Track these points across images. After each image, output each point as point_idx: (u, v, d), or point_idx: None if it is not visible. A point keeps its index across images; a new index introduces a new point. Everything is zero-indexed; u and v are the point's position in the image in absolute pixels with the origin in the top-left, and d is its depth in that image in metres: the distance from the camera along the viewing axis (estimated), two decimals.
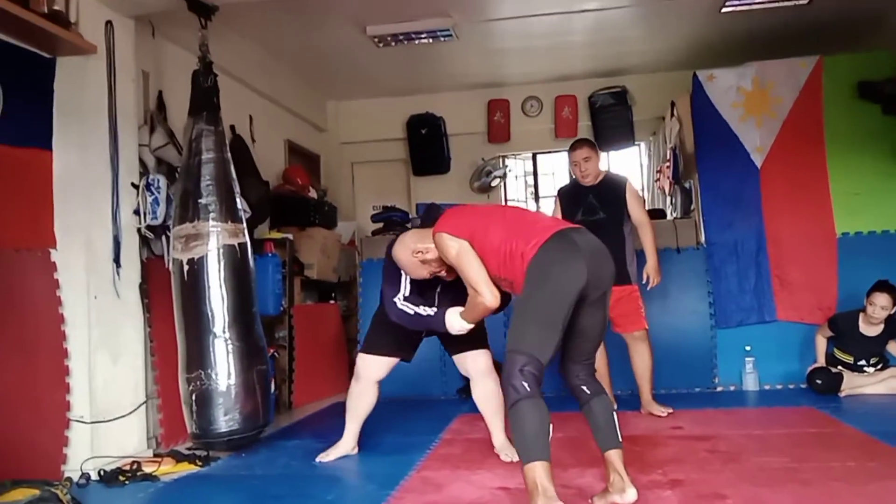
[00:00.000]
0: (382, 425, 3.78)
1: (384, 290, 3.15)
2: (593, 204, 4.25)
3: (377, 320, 3.43)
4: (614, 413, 2.61)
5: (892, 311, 4.36)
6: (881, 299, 4.34)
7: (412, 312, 3.04)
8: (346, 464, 3.31)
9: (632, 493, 2.49)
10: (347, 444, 3.47)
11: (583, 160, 4.25)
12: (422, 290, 3.11)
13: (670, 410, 4.12)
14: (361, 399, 3.44)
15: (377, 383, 3.43)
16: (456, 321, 2.88)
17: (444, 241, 2.66)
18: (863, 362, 4.48)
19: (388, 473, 3.09)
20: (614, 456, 2.53)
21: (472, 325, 2.90)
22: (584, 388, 2.60)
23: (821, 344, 4.64)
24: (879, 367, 4.48)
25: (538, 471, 2.23)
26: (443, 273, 2.92)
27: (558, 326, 2.37)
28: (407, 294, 3.08)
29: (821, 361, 4.61)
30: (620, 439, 2.56)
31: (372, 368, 3.39)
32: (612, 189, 4.26)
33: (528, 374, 2.30)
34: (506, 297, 2.76)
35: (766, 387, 4.85)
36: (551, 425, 2.31)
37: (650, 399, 4.17)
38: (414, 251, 2.87)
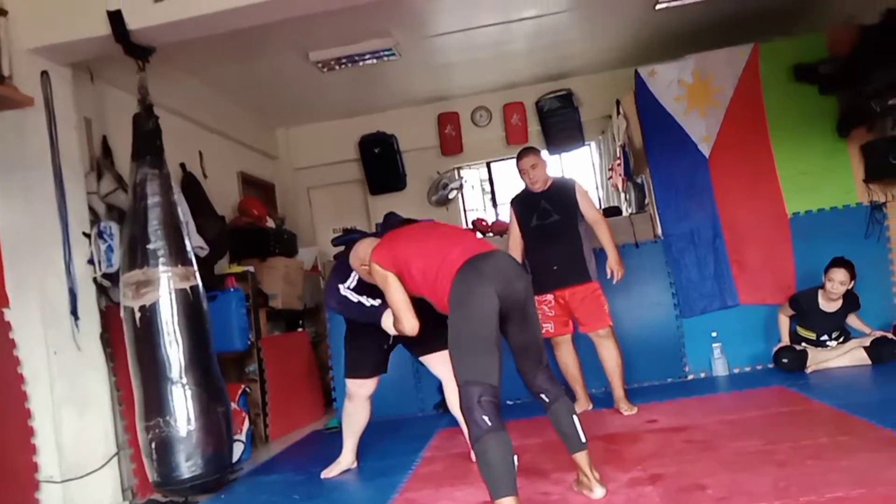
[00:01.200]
0: (363, 449, 3.74)
1: (330, 280, 3.40)
2: (546, 208, 4.32)
3: (350, 344, 3.59)
4: (574, 416, 2.72)
5: (850, 286, 4.47)
6: (839, 275, 4.44)
7: (355, 301, 3.32)
8: (329, 492, 3.28)
9: (599, 491, 2.66)
10: (347, 458, 3.67)
11: (530, 168, 4.34)
12: (369, 285, 3.26)
13: (635, 410, 4.14)
14: (356, 416, 3.64)
15: (369, 398, 3.62)
16: (388, 322, 3.11)
17: (375, 269, 2.91)
18: (825, 337, 4.58)
19: (372, 499, 3.08)
20: (580, 458, 2.69)
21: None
22: (544, 395, 2.73)
23: (783, 323, 4.73)
24: (841, 340, 4.59)
25: None
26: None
27: (491, 348, 2.47)
28: (353, 285, 3.37)
29: (785, 340, 4.70)
30: (584, 440, 2.68)
31: (361, 388, 3.57)
32: (562, 192, 4.34)
33: (486, 403, 2.36)
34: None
35: (736, 370, 4.92)
36: (516, 457, 2.37)
37: (622, 396, 4.21)
38: (361, 262, 3.20)
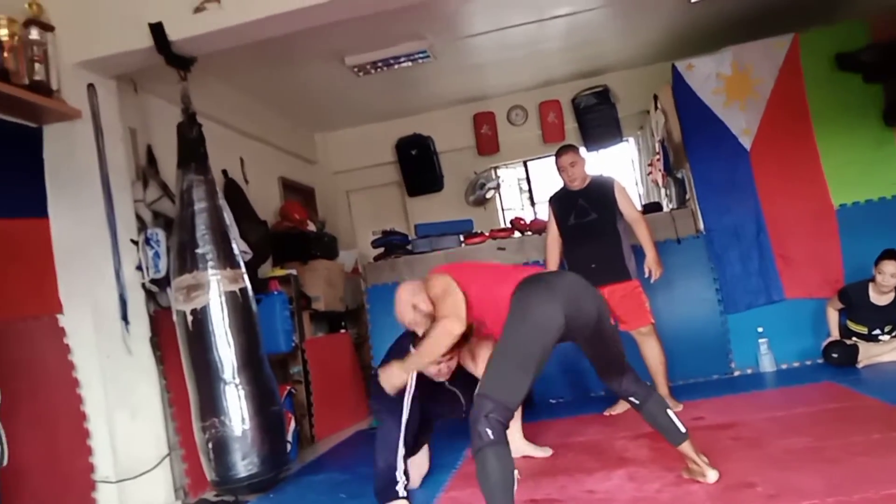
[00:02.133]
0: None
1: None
2: (584, 206, 4.30)
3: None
4: (668, 410, 2.73)
5: None
6: (890, 267, 4.33)
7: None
8: (373, 494, 3.31)
9: (712, 475, 2.66)
10: None
11: (569, 165, 4.33)
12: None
13: (680, 408, 4.08)
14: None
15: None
16: (388, 377, 2.87)
17: (435, 276, 2.83)
18: (877, 332, 4.47)
19: (418, 497, 3.09)
20: (685, 448, 2.69)
21: (398, 384, 2.88)
22: (633, 398, 2.75)
23: (832, 317, 4.63)
24: (894, 333, 4.47)
25: None
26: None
27: (530, 368, 2.40)
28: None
29: (834, 335, 4.61)
30: (683, 430, 2.69)
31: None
32: (600, 190, 4.32)
33: (493, 420, 2.28)
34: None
35: (783, 366, 4.84)
36: (516, 471, 2.32)
37: (667, 393, 4.17)
38: (414, 295, 2.87)
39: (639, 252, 4.32)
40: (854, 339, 4.54)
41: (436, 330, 2.67)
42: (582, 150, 5.25)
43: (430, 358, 2.81)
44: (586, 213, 4.29)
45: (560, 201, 4.46)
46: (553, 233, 4.47)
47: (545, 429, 3.95)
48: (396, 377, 2.85)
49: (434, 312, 2.76)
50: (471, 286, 2.72)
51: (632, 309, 4.17)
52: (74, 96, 3.56)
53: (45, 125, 3.54)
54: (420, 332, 2.84)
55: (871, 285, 4.44)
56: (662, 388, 4.17)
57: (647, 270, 4.28)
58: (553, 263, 4.49)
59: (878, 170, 4.89)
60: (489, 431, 2.27)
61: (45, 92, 3.34)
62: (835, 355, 4.49)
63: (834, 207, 4.91)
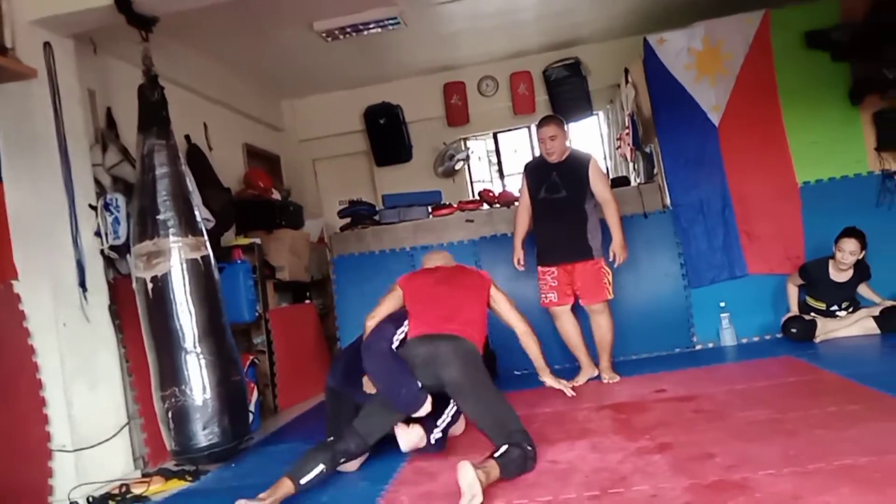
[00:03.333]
0: None
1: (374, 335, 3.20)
2: (556, 182, 4.29)
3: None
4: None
5: (861, 256, 4.44)
6: (849, 245, 4.40)
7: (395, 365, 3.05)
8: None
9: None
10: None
11: (549, 138, 4.28)
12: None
13: (617, 379, 4.24)
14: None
15: None
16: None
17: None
18: (835, 308, 4.56)
19: (381, 468, 3.09)
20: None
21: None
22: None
23: (792, 292, 4.71)
24: (850, 310, 4.57)
25: None
26: None
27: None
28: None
29: (794, 310, 4.69)
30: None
31: None
32: (575, 167, 4.30)
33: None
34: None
35: (744, 340, 4.92)
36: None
37: (607, 366, 4.31)
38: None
39: (607, 230, 4.32)
40: (812, 314, 4.62)
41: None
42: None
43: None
44: (557, 188, 4.28)
45: (534, 172, 4.44)
46: (525, 202, 4.49)
47: (510, 400, 3.96)
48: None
49: None
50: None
51: (590, 284, 4.22)
52: (30, 55, 3.44)
53: None
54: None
55: (830, 262, 4.51)
56: (605, 362, 4.30)
57: (611, 254, 4.30)
58: (521, 232, 4.51)
59: (842, 148, 4.94)
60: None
61: None
62: (794, 330, 4.58)
63: (798, 185, 4.96)
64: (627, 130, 5.88)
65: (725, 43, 5.03)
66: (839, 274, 4.51)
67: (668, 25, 5.24)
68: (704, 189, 5.05)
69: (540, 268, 4.37)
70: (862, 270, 4.51)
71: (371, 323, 3.28)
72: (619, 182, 5.63)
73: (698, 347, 4.98)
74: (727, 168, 5.04)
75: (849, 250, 4.40)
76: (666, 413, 3.34)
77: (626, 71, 5.81)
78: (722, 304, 4.92)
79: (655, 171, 5.39)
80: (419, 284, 3.42)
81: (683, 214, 5.08)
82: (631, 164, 6.17)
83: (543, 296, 4.35)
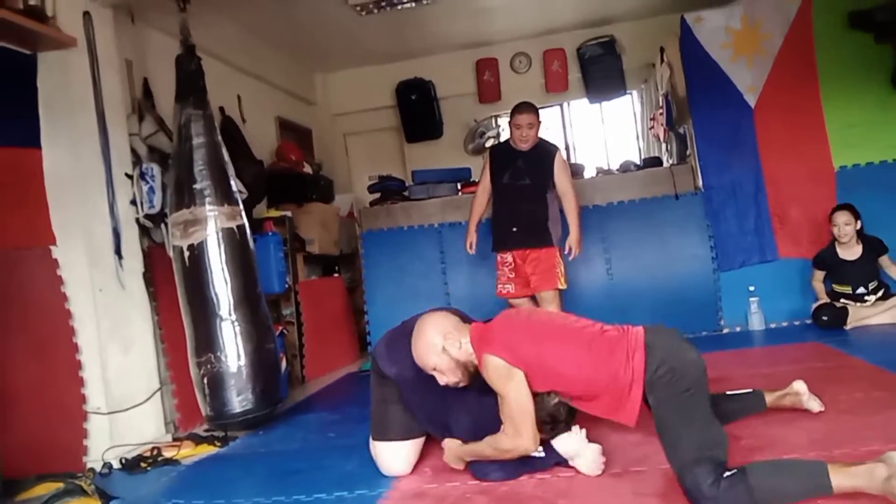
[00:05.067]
0: None
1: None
2: (521, 169, 4.30)
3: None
4: None
5: (859, 227, 4.47)
6: (841, 217, 4.47)
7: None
8: (363, 435, 3.36)
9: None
10: None
11: (526, 125, 4.27)
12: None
13: None
14: None
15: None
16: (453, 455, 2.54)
17: (497, 367, 2.31)
18: (861, 290, 4.51)
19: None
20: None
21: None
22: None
23: (819, 287, 4.68)
24: (880, 293, 4.50)
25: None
26: (452, 382, 2.46)
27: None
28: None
29: (823, 299, 4.63)
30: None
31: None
32: (542, 157, 4.31)
33: (709, 470, 2.01)
34: None
35: (772, 325, 4.87)
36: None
37: None
38: (447, 334, 2.42)
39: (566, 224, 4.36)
40: (843, 301, 4.56)
41: (506, 445, 2.34)
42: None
43: (491, 457, 2.43)
44: (521, 175, 4.29)
45: (500, 156, 4.44)
46: (485, 185, 4.46)
47: None
48: (453, 461, 2.56)
49: (469, 365, 2.41)
50: (546, 352, 2.34)
51: (542, 272, 4.22)
52: (70, 24, 3.47)
53: (39, 52, 3.45)
54: (443, 383, 2.44)
55: (836, 242, 4.53)
56: None
57: (567, 248, 4.31)
58: (477, 215, 4.48)
59: (881, 132, 4.84)
60: (714, 482, 1.99)
61: (39, 17, 3.26)
62: (825, 318, 4.51)
63: (834, 169, 4.88)
64: (661, 110, 5.82)
65: (765, 22, 4.93)
66: (846, 251, 4.52)
67: (707, 4, 5.15)
68: (737, 171, 4.99)
69: (498, 256, 4.37)
70: (871, 243, 4.50)
71: None
72: (651, 163, 5.59)
73: (725, 331, 4.95)
74: (761, 150, 4.96)
75: (843, 222, 4.45)
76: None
77: (662, 50, 5.73)
78: (751, 288, 4.88)
79: (688, 152, 5.33)
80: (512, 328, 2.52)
81: (715, 196, 5.02)
82: (664, 145, 6.11)
83: (501, 286, 4.36)
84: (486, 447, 2.40)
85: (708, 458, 2.04)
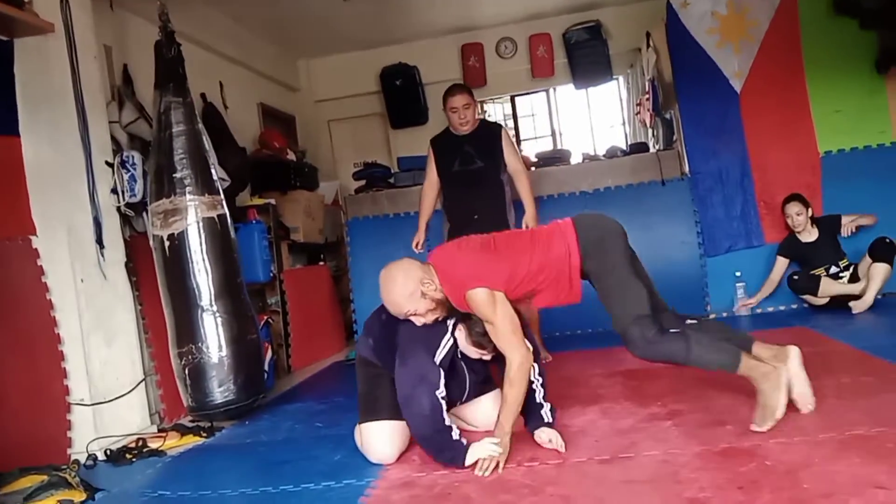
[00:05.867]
0: None
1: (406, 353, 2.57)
2: (470, 153, 4.14)
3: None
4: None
5: (811, 214, 4.62)
6: (793, 208, 4.62)
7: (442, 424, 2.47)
8: (351, 424, 3.35)
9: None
10: None
11: (462, 107, 4.12)
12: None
13: (549, 358, 4.08)
14: None
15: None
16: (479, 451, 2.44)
17: (482, 299, 2.46)
18: (834, 269, 4.60)
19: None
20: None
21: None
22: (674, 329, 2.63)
23: (774, 278, 4.78)
24: (851, 269, 4.59)
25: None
26: (430, 320, 2.56)
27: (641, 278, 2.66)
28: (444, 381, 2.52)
29: (765, 292, 4.81)
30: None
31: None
32: (487, 137, 4.16)
33: (647, 324, 2.50)
34: None
35: (758, 310, 4.91)
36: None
37: (540, 343, 3.96)
38: (422, 280, 2.52)
39: (517, 206, 4.24)
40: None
41: (514, 368, 2.45)
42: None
43: (520, 405, 2.51)
44: (472, 160, 4.13)
45: (443, 145, 4.25)
46: (432, 179, 4.26)
47: None
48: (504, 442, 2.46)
49: (439, 304, 2.55)
50: (518, 271, 2.55)
51: None
52: (47, 9, 3.39)
53: (15, 39, 3.37)
54: (421, 323, 2.55)
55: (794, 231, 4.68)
56: (536, 338, 4.20)
57: (524, 226, 4.16)
58: (426, 212, 4.31)
59: (866, 118, 4.87)
60: (656, 332, 2.50)
61: (16, 3, 3.18)
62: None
63: (819, 154, 4.90)
64: (647, 96, 5.80)
65: (751, 8, 4.93)
66: (806, 236, 4.66)
67: None
68: (724, 157, 5.00)
69: None
70: (824, 222, 4.64)
71: None
72: (638, 148, 5.58)
73: (712, 316, 4.96)
74: (748, 136, 4.98)
75: (794, 213, 4.62)
76: (677, 380, 3.34)
77: (648, 35, 5.72)
78: (738, 274, 4.90)
79: (675, 137, 5.32)
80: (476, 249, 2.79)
81: (702, 182, 5.03)
82: (650, 131, 6.10)
83: None
84: (509, 393, 2.47)
85: (649, 315, 2.52)
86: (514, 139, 4.30)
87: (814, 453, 2.18)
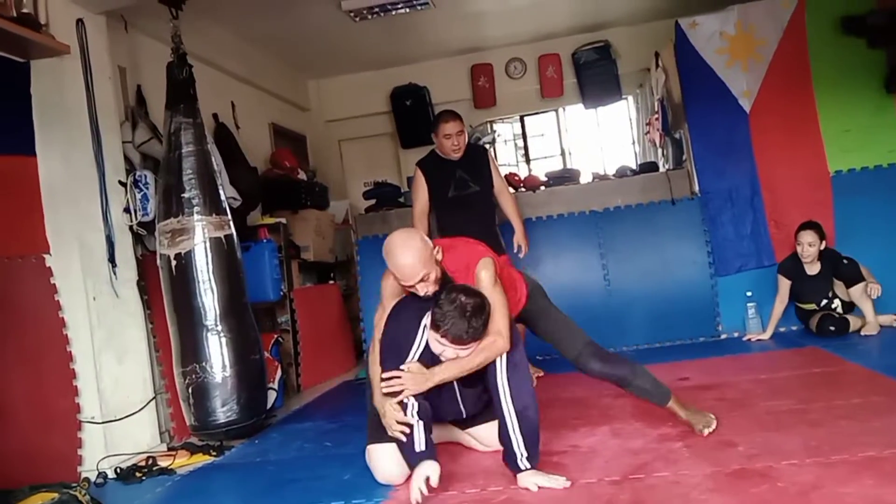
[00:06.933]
0: None
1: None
2: (464, 178, 4.20)
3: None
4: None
5: (822, 247, 4.44)
6: (807, 236, 4.43)
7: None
8: (360, 443, 3.34)
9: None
10: None
11: (456, 134, 4.16)
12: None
13: (541, 374, 4.16)
14: None
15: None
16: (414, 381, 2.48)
17: (493, 268, 2.59)
18: (825, 301, 4.52)
19: None
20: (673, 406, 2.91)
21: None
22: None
23: (779, 308, 4.63)
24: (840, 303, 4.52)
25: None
26: (430, 291, 2.55)
27: None
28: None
29: (771, 327, 4.64)
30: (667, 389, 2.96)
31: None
32: (476, 161, 4.25)
33: (597, 347, 2.91)
34: None
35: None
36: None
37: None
38: (434, 253, 2.56)
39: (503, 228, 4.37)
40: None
41: (483, 354, 2.46)
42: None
43: (464, 373, 2.50)
44: (466, 185, 4.19)
45: (435, 171, 4.25)
46: (423, 202, 4.24)
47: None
48: (415, 387, 2.47)
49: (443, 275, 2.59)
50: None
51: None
52: (63, 31, 3.45)
53: (32, 60, 3.43)
54: (423, 293, 2.54)
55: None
56: None
57: (516, 245, 4.26)
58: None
59: (876, 137, 4.85)
60: (607, 356, 2.92)
61: (33, 25, 3.23)
62: (832, 328, 4.40)
63: (830, 174, 4.89)
64: (657, 115, 5.82)
65: (759, 28, 4.94)
66: (809, 267, 4.51)
67: (701, 9, 5.14)
68: (733, 176, 4.99)
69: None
70: (830, 260, 4.47)
71: None
72: (648, 168, 5.60)
73: (723, 336, 4.95)
74: (757, 155, 4.97)
75: (807, 242, 4.42)
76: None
77: (657, 55, 5.74)
78: (749, 294, 4.87)
79: (684, 157, 5.33)
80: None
81: (712, 202, 5.02)
82: (660, 150, 6.11)
83: None
84: (471, 357, 2.45)
85: (594, 342, 2.91)
86: (496, 160, 4.35)
87: (826, 475, 2.16)
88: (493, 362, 2.49)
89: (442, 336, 2.38)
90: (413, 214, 4.30)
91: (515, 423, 2.45)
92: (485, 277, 2.55)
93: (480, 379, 2.59)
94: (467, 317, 2.35)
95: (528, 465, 2.43)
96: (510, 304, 2.63)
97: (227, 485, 3.08)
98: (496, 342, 2.45)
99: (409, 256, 2.49)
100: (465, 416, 2.78)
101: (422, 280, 2.50)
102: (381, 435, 2.60)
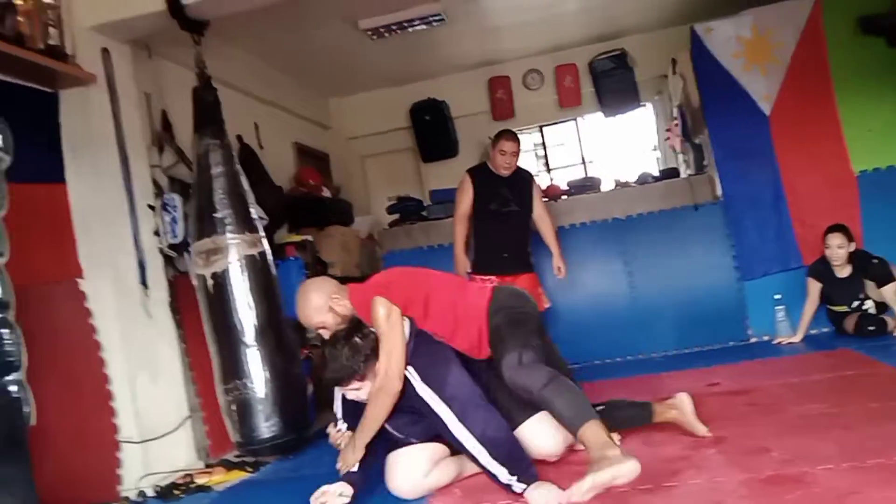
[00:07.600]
0: None
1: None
2: (507, 197, 4.40)
3: None
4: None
5: (852, 249, 4.42)
6: (835, 239, 4.41)
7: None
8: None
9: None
10: None
11: (511, 153, 4.39)
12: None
13: None
14: None
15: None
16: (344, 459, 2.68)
17: (379, 303, 2.64)
18: (856, 303, 4.48)
19: None
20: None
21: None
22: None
23: (809, 311, 4.59)
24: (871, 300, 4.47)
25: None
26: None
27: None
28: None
29: (801, 332, 4.60)
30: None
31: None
32: (522, 183, 4.46)
33: (527, 352, 2.55)
34: None
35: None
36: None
37: None
38: (332, 294, 2.76)
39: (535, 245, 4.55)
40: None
41: (380, 399, 2.57)
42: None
43: (378, 424, 2.61)
44: (507, 202, 4.39)
45: (483, 181, 4.47)
46: (466, 205, 4.44)
47: None
48: (352, 457, 2.63)
49: (352, 318, 2.76)
50: (431, 296, 2.76)
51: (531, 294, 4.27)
52: (89, 61, 3.55)
53: (60, 90, 3.53)
54: (328, 336, 2.76)
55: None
56: None
57: (556, 269, 4.45)
58: (462, 240, 4.45)
59: None
60: (531, 363, 2.53)
61: (59, 56, 3.33)
62: (871, 328, 4.35)
63: (854, 174, 4.85)
64: (676, 122, 5.81)
65: (775, 31, 4.92)
66: (839, 269, 4.48)
67: (716, 14, 5.15)
68: (756, 180, 4.96)
69: (478, 276, 4.33)
70: (860, 262, 4.43)
71: None
72: (669, 174, 5.59)
73: (753, 340, 4.91)
74: (779, 158, 4.94)
75: (836, 245, 4.41)
76: (720, 406, 3.31)
77: (674, 61, 5.73)
78: (777, 297, 4.83)
79: (706, 162, 5.32)
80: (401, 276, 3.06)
81: (735, 206, 5.00)
82: (681, 156, 6.10)
83: None
84: (368, 409, 2.60)
85: (535, 349, 2.57)
86: (540, 186, 4.65)
87: (863, 479, 2.14)
88: (423, 400, 2.56)
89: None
90: (455, 216, 4.52)
91: (483, 451, 2.43)
92: (375, 314, 2.65)
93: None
94: (329, 363, 2.65)
95: (525, 485, 2.37)
96: (467, 302, 2.79)
97: (264, 500, 3.11)
98: (381, 385, 2.57)
99: (301, 307, 2.79)
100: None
101: (322, 327, 2.77)
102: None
